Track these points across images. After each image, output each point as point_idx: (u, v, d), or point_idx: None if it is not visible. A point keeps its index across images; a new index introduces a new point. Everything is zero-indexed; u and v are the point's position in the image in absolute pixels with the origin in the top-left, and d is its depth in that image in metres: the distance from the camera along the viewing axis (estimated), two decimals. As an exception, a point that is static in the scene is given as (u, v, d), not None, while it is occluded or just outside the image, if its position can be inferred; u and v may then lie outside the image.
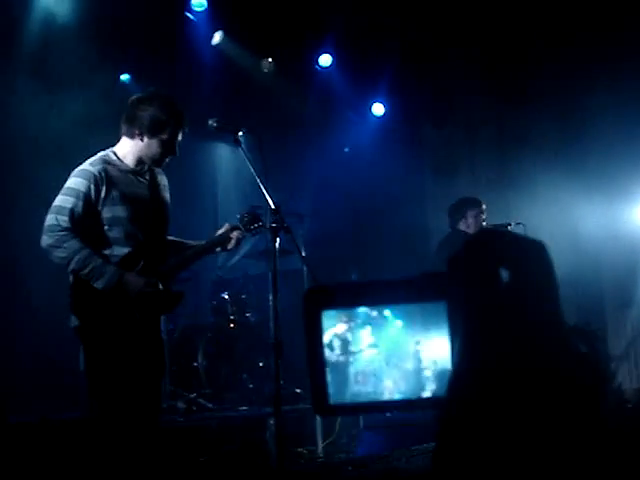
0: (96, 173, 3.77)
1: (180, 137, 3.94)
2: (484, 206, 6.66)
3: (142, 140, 3.88)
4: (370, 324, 2.28)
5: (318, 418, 5.86)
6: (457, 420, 1.99)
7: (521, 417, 1.93)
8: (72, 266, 3.70)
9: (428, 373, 2.26)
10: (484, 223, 6.61)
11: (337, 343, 2.26)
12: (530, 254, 2.06)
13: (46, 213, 3.75)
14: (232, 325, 7.00)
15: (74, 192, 3.74)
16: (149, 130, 3.86)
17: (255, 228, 4.24)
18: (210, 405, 6.41)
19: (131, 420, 3.73)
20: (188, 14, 7.21)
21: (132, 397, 3.74)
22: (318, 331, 2.26)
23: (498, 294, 2.01)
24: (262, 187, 4.11)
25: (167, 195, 4.10)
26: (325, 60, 8.24)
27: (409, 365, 2.27)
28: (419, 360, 2.26)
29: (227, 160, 8.52)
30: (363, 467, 4.81)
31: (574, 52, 7.64)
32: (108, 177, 3.79)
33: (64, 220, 3.70)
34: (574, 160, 7.71)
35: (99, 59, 6.69)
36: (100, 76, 6.72)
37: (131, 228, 3.82)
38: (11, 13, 6.32)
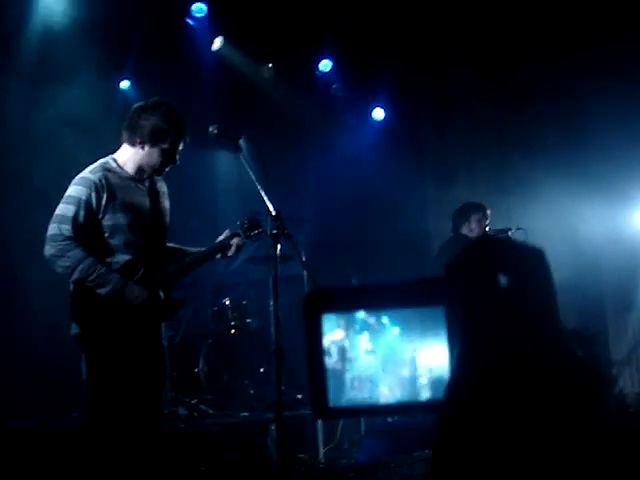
0: (96, 181, 3.77)
1: (181, 147, 3.95)
2: (488, 211, 6.64)
3: (143, 148, 3.89)
4: (368, 330, 2.28)
5: (319, 424, 5.85)
6: (455, 424, 1.99)
7: (518, 421, 1.93)
8: (76, 275, 3.70)
9: (424, 380, 2.26)
10: (487, 228, 6.60)
11: (334, 350, 2.26)
12: (529, 261, 2.07)
13: (48, 223, 3.76)
14: (233, 331, 6.98)
15: (75, 200, 3.74)
16: (150, 139, 3.86)
17: (255, 234, 4.24)
18: (211, 411, 6.40)
19: (132, 427, 3.74)
20: (188, 20, 7.23)
21: (133, 404, 3.74)
22: (318, 334, 2.26)
23: (496, 299, 2.01)
24: (262, 193, 4.12)
25: (167, 202, 4.10)
26: (325, 65, 8.25)
27: (405, 372, 2.27)
28: (415, 367, 2.26)
29: (227, 166, 8.50)
30: (365, 474, 4.80)
31: (574, 56, 7.64)
32: (108, 184, 3.80)
33: (67, 229, 3.70)
34: (574, 164, 7.69)
35: (99, 65, 6.71)
36: (100, 82, 6.74)
37: (131, 235, 3.82)
38: (11, 13, 6.33)
